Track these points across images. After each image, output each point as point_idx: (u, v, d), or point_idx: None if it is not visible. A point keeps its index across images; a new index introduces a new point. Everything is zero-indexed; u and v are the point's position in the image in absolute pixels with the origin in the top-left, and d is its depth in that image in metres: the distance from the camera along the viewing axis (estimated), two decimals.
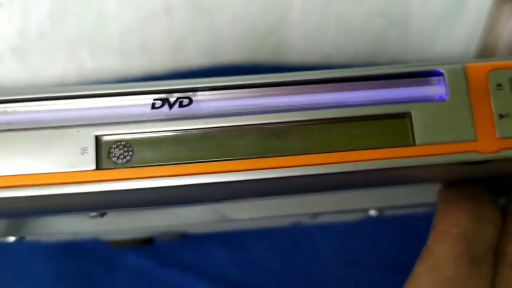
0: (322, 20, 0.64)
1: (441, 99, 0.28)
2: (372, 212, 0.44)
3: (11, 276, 0.54)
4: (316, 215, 0.45)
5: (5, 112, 0.28)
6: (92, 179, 0.27)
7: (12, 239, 0.45)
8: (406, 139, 0.28)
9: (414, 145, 0.28)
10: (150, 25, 0.63)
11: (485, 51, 0.67)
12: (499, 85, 0.28)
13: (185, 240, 0.54)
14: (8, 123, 0.27)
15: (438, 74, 0.29)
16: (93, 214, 0.35)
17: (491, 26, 0.66)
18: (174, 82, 0.28)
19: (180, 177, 0.27)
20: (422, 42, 0.67)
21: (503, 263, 0.33)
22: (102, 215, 0.35)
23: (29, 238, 0.45)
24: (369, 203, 0.41)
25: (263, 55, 0.66)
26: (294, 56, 0.67)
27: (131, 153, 0.27)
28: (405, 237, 0.54)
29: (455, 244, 0.33)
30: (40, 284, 0.54)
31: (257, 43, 0.65)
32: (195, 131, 0.27)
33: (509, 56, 0.30)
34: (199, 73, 0.65)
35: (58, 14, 0.61)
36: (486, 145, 0.28)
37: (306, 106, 0.28)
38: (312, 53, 0.67)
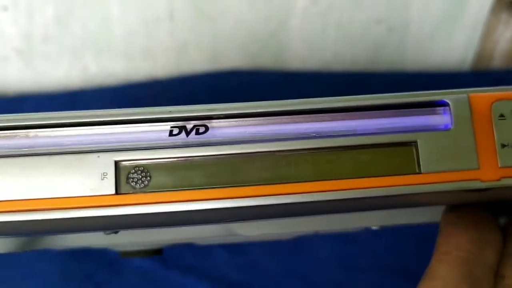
0: (322, 27, 0.65)
1: (446, 128, 0.29)
2: (374, 228, 0.45)
3: (20, 274, 0.55)
4: (318, 231, 0.46)
5: (27, 137, 0.29)
6: (111, 203, 0.28)
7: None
8: (412, 167, 0.29)
9: (420, 173, 0.29)
10: (153, 30, 0.64)
11: (482, 59, 0.68)
12: (502, 115, 0.29)
13: (188, 243, 0.55)
14: (30, 148, 0.28)
15: (444, 104, 0.30)
16: (108, 232, 0.36)
17: (488, 34, 0.67)
18: (191, 109, 0.29)
19: (195, 202, 0.28)
20: (420, 49, 0.68)
21: (502, 285, 0.35)
22: (116, 232, 0.37)
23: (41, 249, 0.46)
24: (371, 221, 0.42)
25: (265, 60, 0.67)
26: (294, 61, 0.68)
27: (148, 178, 0.28)
28: (402, 242, 0.55)
29: (457, 267, 0.34)
30: (46, 283, 0.55)
31: (258, 48, 0.66)
32: (210, 158, 0.29)
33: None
34: (202, 77, 0.66)
35: (63, 18, 0.62)
36: (488, 173, 0.29)
37: (316, 135, 0.29)
38: (312, 59, 0.68)
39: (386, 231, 0.54)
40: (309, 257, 0.56)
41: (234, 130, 0.29)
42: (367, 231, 0.51)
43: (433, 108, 0.30)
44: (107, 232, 0.36)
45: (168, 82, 0.66)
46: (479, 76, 0.67)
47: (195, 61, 0.67)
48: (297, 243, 0.56)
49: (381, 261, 0.55)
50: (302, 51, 0.67)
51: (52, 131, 0.29)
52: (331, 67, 0.68)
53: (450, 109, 0.30)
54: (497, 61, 0.68)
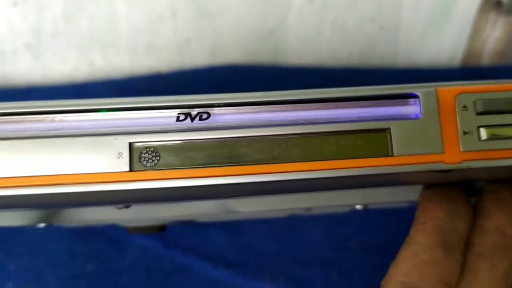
0: (318, 25, 0.68)
1: (416, 117, 0.34)
2: (358, 207, 0.49)
3: (27, 252, 0.58)
4: (309, 208, 0.50)
5: (53, 121, 0.33)
6: (126, 179, 0.32)
7: (41, 225, 0.49)
8: (386, 150, 0.33)
9: (392, 155, 0.33)
10: (157, 27, 0.66)
11: (472, 56, 0.71)
12: (464, 106, 0.34)
13: (188, 224, 0.58)
14: (56, 130, 0.33)
15: (414, 96, 0.34)
16: (120, 206, 0.40)
17: (476, 33, 0.69)
18: (195, 98, 0.33)
19: (199, 178, 0.32)
20: (412, 47, 0.70)
21: (471, 251, 0.40)
22: (127, 206, 0.40)
23: (56, 224, 0.49)
24: (355, 200, 0.45)
25: (263, 56, 0.70)
26: (291, 57, 0.70)
27: (158, 157, 0.32)
28: (387, 224, 0.58)
29: (431, 234, 0.39)
30: (53, 261, 0.58)
31: (257, 45, 0.69)
32: (212, 140, 0.33)
33: (476, 81, 0.34)
34: (202, 71, 0.69)
35: (71, 14, 0.65)
36: (451, 157, 0.33)
37: (303, 121, 0.33)
38: (308, 55, 0.70)
39: (373, 214, 0.58)
40: (301, 238, 0.59)
41: (232, 116, 0.33)
42: (357, 214, 0.54)
43: (405, 100, 0.34)
44: (120, 206, 0.40)
45: (170, 76, 0.69)
46: (467, 73, 0.70)
47: (196, 56, 0.69)
48: (291, 226, 0.59)
49: (369, 242, 0.58)
50: (299, 48, 0.69)
51: (75, 116, 0.33)
52: (327, 63, 0.70)
53: (420, 100, 0.34)
54: (486, 59, 0.71)
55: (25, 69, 0.68)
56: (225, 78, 0.68)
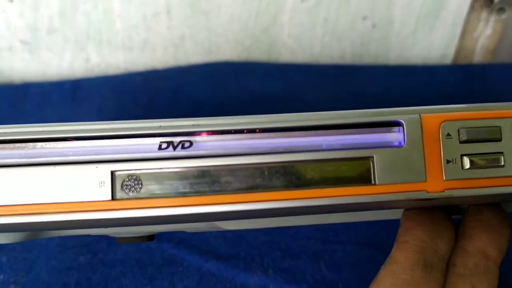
0: (311, 22, 0.68)
1: (400, 145, 0.34)
2: None
3: (19, 245, 0.58)
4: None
5: (34, 148, 0.33)
6: (108, 208, 0.32)
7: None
8: (369, 178, 0.33)
9: (375, 184, 0.33)
10: (152, 24, 0.67)
11: (463, 54, 0.71)
12: (448, 134, 0.34)
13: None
14: (37, 158, 0.33)
15: (398, 124, 0.34)
16: None
17: (468, 31, 0.69)
18: (178, 124, 0.33)
19: (181, 207, 0.32)
20: (404, 44, 0.71)
21: (452, 272, 0.40)
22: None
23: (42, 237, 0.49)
24: (338, 219, 0.46)
25: (257, 54, 0.70)
26: (285, 54, 0.71)
27: (140, 186, 0.33)
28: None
29: (412, 253, 0.39)
30: (45, 253, 0.58)
31: (251, 42, 0.69)
32: (194, 169, 0.33)
33: (461, 106, 0.34)
34: (197, 67, 0.69)
35: (67, 11, 0.65)
36: (433, 185, 0.33)
37: (284, 150, 0.33)
38: (301, 52, 0.71)
39: None
40: (291, 231, 0.59)
41: (215, 144, 0.33)
42: None
43: (389, 128, 0.34)
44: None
45: (166, 72, 0.69)
46: (459, 70, 0.70)
47: (191, 53, 0.70)
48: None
49: (358, 235, 0.59)
50: (292, 45, 0.70)
51: (56, 144, 0.33)
52: (320, 60, 0.71)
53: (403, 128, 0.34)
54: (478, 57, 0.71)
55: (21, 66, 0.69)
56: (219, 75, 0.69)
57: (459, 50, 0.70)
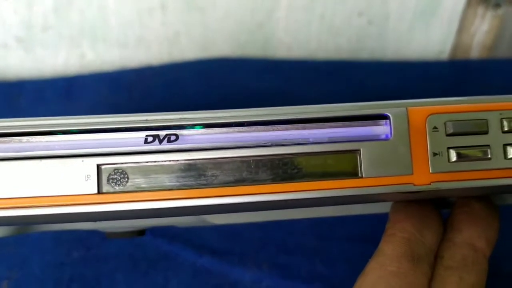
0: (307, 18, 0.68)
1: (386, 138, 0.33)
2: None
3: (13, 239, 0.58)
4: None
5: (20, 142, 0.33)
6: (94, 201, 0.32)
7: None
8: (356, 172, 0.33)
9: (362, 177, 0.33)
10: (147, 20, 0.67)
11: (460, 50, 0.71)
12: (435, 127, 0.33)
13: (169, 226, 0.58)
14: (23, 152, 0.33)
15: (385, 116, 0.34)
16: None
17: (465, 27, 0.69)
18: (164, 118, 0.33)
19: (167, 201, 0.32)
20: (400, 40, 0.71)
21: (440, 264, 0.40)
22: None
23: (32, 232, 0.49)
24: (328, 212, 0.46)
25: (253, 49, 0.70)
26: (280, 50, 0.71)
27: (126, 179, 0.33)
28: (368, 215, 0.58)
29: (399, 246, 0.39)
30: (39, 248, 0.58)
31: (246, 38, 0.69)
32: (181, 162, 0.33)
33: (448, 99, 0.34)
34: (192, 63, 0.69)
35: (61, 8, 0.65)
36: (420, 178, 0.33)
37: (272, 143, 0.33)
38: (297, 48, 0.71)
39: None
40: (286, 226, 0.59)
41: (201, 137, 0.33)
42: None
43: (375, 120, 0.34)
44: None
45: (160, 68, 0.69)
46: (455, 66, 0.70)
47: (186, 49, 0.69)
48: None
49: (353, 231, 0.59)
50: (288, 41, 0.69)
51: (42, 137, 0.33)
52: (316, 56, 0.71)
53: (390, 121, 0.34)
54: (475, 53, 0.71)
55: (16, 63, 0.69)
56: (214, 71, 0.69)
57: (455, 46, 0.70)
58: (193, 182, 0.33)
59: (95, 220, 0.36)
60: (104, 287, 0.57)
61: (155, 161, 0.33)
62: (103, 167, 0.32)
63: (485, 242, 0.40)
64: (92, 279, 0.57)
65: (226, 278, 0.57)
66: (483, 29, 0.69)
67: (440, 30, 0.69)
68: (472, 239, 0.40)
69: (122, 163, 0.33)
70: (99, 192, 0.32)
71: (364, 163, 0.33)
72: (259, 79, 0.68)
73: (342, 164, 0.33)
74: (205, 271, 0.58)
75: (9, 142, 0.33)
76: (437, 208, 0.41)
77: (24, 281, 0.57)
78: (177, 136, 0.33)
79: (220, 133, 0.33)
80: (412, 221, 0.40)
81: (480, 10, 0.68)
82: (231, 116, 0.33)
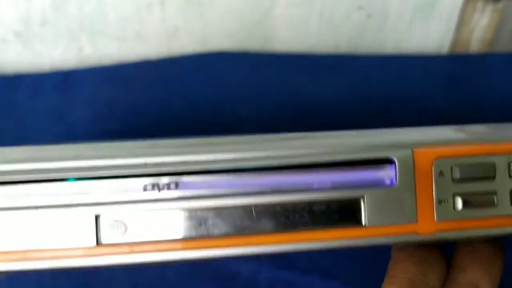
0: (306, 13, 0.67)
1: (391, 184, 0.33)
2: None
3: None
4: None
5: (16, 191, 0.33)
6: (92, 254, 0.32)
7: None
8: (359, 220, 0.33)
9: (365, 226, 0.33)
10: (145, 14, 0.66)
11: (460, 45, 0.70)
12: (441, 172, 0.33)
13: None
14: (19, 201, 0.32)
15: (391, 161, 0.33)
16: None
17: (464, 21, 0.69)
18: (164, 161, 0.33)
19: (166, 252, 0.32)
20: (399, 34, 0.70)
21: None
22: None
23: None
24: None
25: (252, 44, 0.69)
26: (279, 45, 0.70)
27: (125, 230, 0.32)
28: None
29: (402, 287, 0.38)
30: None
31: (245, 33, 0.68)
32: (180, 211, 0.32)
33: (454, 138, 0.34)
34: (191, 58, 0.69)
35: (60, 2, 0.64)
36: (424, 227, 0.33)
37: (273, 191, 0.33)
38: (296, 43, 0.70)
39: None
40: None
41: (201, 185, 0.33)
42: None
43: (381, 165, 0.33)
44: None
45: (159, 63, 0.68)
46: (455, 61, 0.69)
47: (185, 44, 0.69)
48: None
49: None
50: (287, 36, 0.69)
51: (40, 187, 0.32)
52: (315, 51, 0.70)
53: (395, 166, 0.33)
54: (474, 47, 0.70)
55: (14, 57, 0.68)
56: (213, 65, 0.68)
57: (455, 41, 0.69)
58: (193, 232, 0.32)
59: (93, 270, 0.36)
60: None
61: (154, 210, 0.32)
62: (101, 217, 0.32)
63: (489, 281, 0.40)
64: None
65: (223, 270, 0.57)
66: (482, 23, 0.69)
67: (440, 24, 0.69)
68: (476, 279, 0.39)
69: (120, 213, 0.32)
70: (98, 244, 0.32)
71: (368, 210, 0.32)
72: (258, 74, 0.68)
73: (346, 211, 0.33)
74: (203, 262, 0.58)
75: (3, 191, 0.32)
76: (440, 246, 0.41)
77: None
78: (177, 183, 0.32)
79: (221, 181, 0.33)
80: (414, 261, 0.39)
81: (480, 4, 0.67)
82: (233, 159, 0.33)
